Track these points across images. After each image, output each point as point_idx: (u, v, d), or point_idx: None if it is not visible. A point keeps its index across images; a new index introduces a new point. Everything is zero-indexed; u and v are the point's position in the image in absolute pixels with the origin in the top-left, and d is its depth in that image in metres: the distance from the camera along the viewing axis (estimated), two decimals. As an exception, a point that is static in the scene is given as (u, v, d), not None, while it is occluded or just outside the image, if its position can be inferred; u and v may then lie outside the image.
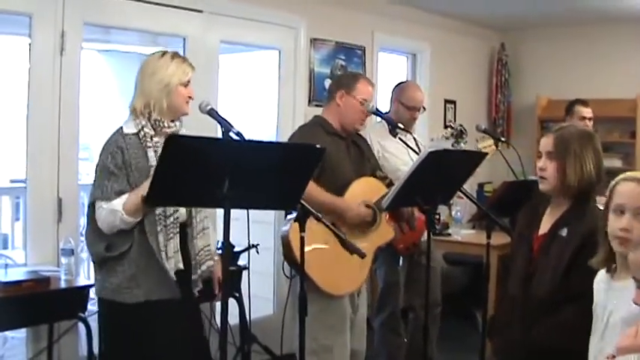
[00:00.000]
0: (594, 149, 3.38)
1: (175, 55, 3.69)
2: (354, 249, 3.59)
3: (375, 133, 5.26)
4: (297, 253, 3.86)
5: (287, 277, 4.31)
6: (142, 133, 3.53)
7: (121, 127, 3.57)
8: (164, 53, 3.67)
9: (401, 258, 5.35)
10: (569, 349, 3.11)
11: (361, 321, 4.59)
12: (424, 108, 5.61)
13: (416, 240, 5.23)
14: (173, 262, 3.55)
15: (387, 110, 5.58)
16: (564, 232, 3.34)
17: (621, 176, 2.82)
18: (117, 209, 3.40)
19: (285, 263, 4.33)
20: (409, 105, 5.46)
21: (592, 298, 3.02)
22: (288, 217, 4.15)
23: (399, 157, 5.23)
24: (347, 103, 4.43)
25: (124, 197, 3.42)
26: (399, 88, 5.63)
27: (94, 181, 3.54)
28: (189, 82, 3.66)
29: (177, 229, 3.58)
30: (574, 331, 3.09)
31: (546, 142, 3.40)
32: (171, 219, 3.54)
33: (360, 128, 4.56)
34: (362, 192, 4.34)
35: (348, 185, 4.32)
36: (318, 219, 3.45)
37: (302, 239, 3.47)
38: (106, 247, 3.51)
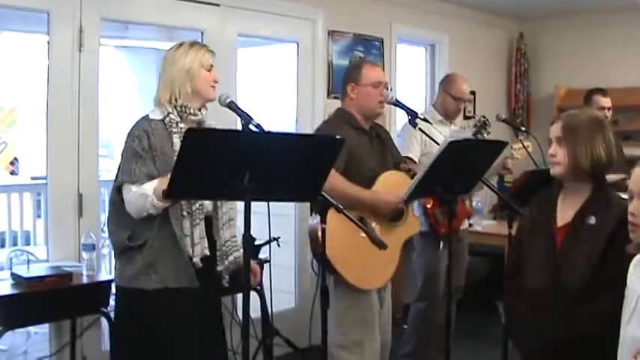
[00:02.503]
0: (604, 136, 3.34)
1: (194, 42, 3.71)
2: (377, 240, 3.58)
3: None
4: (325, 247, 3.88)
5: (315, 273, 4.28)
6: (168, 119, 3.54)
7: (147, 115, 3.59)
8: (182, 44, 3.67)
9: (441, 243, 5.34)
10: (606, 337, 3.03)
11: (387, 314, 4.57)
12: (470, 100, 5.76)
13: (457, 225, 5.27)
14: (199, 249, 3.55)
15: (434, 101, 5.87)
16: (592, 220, 3.30)
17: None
18: (147, 194, 3.38)
19: (314, 259, 4.30)
20: (456, 96, 5.66)
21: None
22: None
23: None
24: (360, 93, 4.39)
25: (155, 182, 3.41)
26: (447, 80, 5.82)
27: (120, 165, 3.53)
28: (212, 66, 3.66)
29: (203, 216, 3.58)
30: (612, 318, 3.06)
31: (555, 128, 3.40)
32: (197, 205, 3.54)
33: (381, 111, 4.52)
34: (389, 186, 4.28)
35: (375, 179, 4.28)
36: (339, 210, 3.44)
37: (323, 231, 3.47)
38: (129, 237, 3.52)
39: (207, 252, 3.60)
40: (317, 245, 3.99)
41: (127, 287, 3.57)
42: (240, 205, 3.15)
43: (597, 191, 3.35)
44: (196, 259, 3.54)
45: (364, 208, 4.19)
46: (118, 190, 3.54)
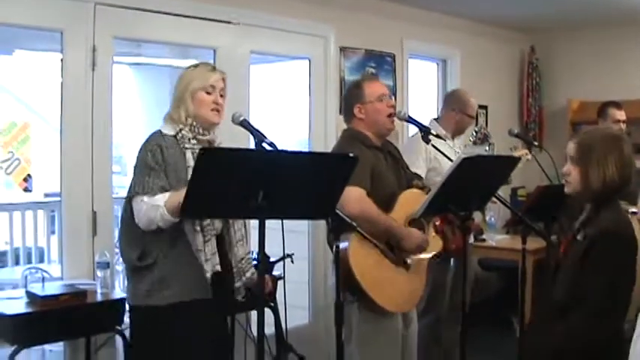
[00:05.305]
0: (619, 153, 3.35)
1: (203, 63, 3.77)
2: (394, 259, 3.58)
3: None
4: (357, 272, 3.91)
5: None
6: (180, 134, 3.59)
7: (159, 130, 3.64)
8: (194, 64, 3.75)
9: (452, 260, 5.33)
10: (579, 350, 3.20)
11: (412, 335, 4.52)
12: None
13: (463, 241, 5.25)
14: (210, 265, 3.58)
15: (437, 117, 5.87)
16: (581, 236, 3.36)
17: None
18: (159, 204, 3.42)
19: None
20: (473, 114, 5.73)
21: (600, 301, 3.16)
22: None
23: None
24: (368, 112, 4.34)
25: (167, 195, 3.45)
26: (459, 99, 5.78)
27: (132, 178, 3.58)
28: (213, 88, 3.66)
29: (214, 232, 3.62)
30: (580, 336, 3.18)
31: (570, 147, 3.41)
32: (207, 221, 3.57)
33: (393, 126, 4.47)
34: (409, 205, 4.22)
35: (395, 198, 4.25)
36: (353, 228, 3.44)
37: (337, 248, 3.46)
38: (139, 256, 3.55)
39: (218, 268, 3.62)
40: (348, 269, 3.94)
41: (141, 305, 3.60)
42: (254, 222, 3.15)
43: (596, 208, 3.38)
44: (208, 275, 3.57)
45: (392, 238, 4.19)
46: (129, 203, 3.57)
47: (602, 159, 3.31)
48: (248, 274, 3.81)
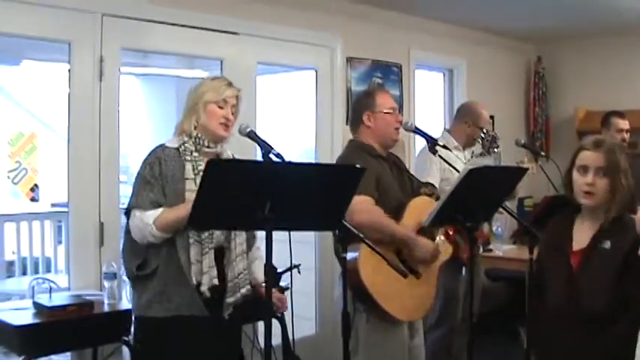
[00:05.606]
0: (630, 163, 3.37)
1: (220, 77, 3.84)
2: (400, 270, 3.57)
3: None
4: (367, 282, 3.92)
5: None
6: (183, 147, 3.59)
7: (164, 143, 3.65)
8: (213, 77, 3.83)
9: (463, 268, 5.32)
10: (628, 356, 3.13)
11: (419, 346, 4.51)
12: None
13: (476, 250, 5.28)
14: (208, 278, 3.55)
15: (448, 128, 5.89)
16: (607, 245, 3.31)
17: None
18: (148, 222, 3.44)
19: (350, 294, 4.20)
20: (485, 127, 5.69)
21: None
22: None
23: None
24: (377, 121, 4.37)
25: (159, 211, 3.46)
26: (472, 113, 5.77)
27: (132, 190, 3.60)
28: (225, 103, 3.67)
29: (213, 245, 3.58)
30: (631, 339, 3.10)
31: (595, 158, 3.35)
32: (207, 233, 3.54)
33: (398, 138, 4.50)
34: (418, 212, 4.22)
35: (403, 206, 4.26)
36: (361, 240, 3.43)
37: (344, 259, 3.45)
38: (139, 266, 3.56)
39: (215, 282, 3.59)
40: (358, 279, 3.96)
41: (143, 316, 3.61)
42: (261, 233, 3.15)
43: (613, 216, 3.35)
44: (204, 288, 3.54)
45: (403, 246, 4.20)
46: (127, 216, 3.60)
47: (626, 167, 3.30)
48: (243, 290, 3.73)
